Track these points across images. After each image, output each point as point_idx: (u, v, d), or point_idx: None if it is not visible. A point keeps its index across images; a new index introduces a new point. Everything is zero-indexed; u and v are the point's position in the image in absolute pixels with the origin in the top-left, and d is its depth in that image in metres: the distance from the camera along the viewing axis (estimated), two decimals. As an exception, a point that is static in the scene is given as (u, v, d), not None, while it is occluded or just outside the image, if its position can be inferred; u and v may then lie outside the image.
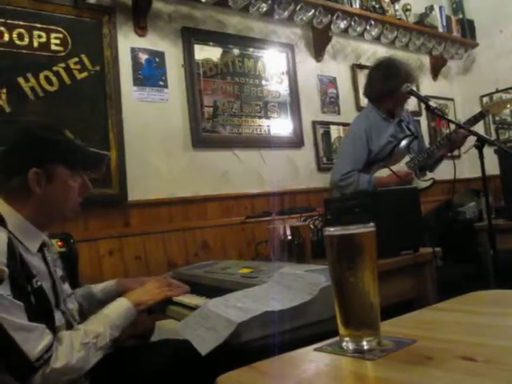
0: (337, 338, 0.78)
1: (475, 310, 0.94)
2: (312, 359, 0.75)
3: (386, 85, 2.66)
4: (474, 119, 2.66)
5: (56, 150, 1.27)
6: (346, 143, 2.90)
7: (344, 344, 0.75)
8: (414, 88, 2.51)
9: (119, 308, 1.33)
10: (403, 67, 2.69)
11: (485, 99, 4.39)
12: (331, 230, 0.77)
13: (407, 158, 2.63)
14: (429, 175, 2.70)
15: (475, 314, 0.92)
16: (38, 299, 1.12)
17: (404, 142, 2.66)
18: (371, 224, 0.77)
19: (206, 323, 1.15)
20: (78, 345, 1.14)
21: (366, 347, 0.73)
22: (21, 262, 1.11)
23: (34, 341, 1.04)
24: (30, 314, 1.06)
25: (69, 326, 1.25)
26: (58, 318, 1.20)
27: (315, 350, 0.77)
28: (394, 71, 2.66)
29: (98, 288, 1.65)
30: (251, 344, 1.13)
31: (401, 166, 2.60)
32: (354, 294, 0.75)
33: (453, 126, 2.71)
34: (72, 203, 1.32)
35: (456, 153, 4.23)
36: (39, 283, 1.15)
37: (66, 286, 1.37)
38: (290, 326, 1.19)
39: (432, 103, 2.29)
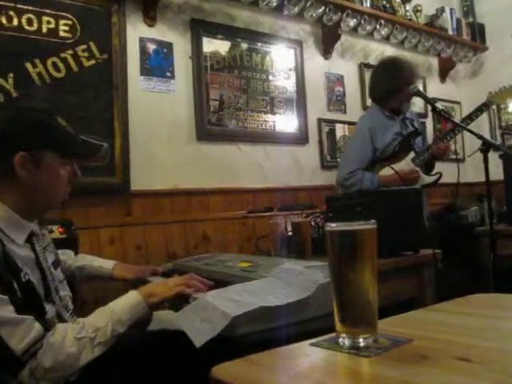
0: (333, 334, 0.78)
1: (473, 313, 0.94)
2: (308, 354, 0.75)
3: (390, 84, 2.66)
4: (479, 110, 2.66)
5: (46, 135, 1.22)
6: (351, 143, 2.92)
7: (340, 340, 0.75)
8: (420, 86, 2.51)
9: (127, 302, 1.24)
10: (406, 66, 2.69)
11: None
12: (332, 226, 0.77)
13: (413, 155, 2.63)
14: (434, 171, 2.69)
15: (472, 316, 0.92)
16: (25, 294, 1.08)
17: (409, 139, 2.66)
18: (372, 221, 0.77)
19: (203, 314, 1.15)
20: (71, 339, 1.08)
21: (362, 344, 0.73)
22: (5, 257, 1.07)
23: (19, 334, 1.01)
24: (17, 307, 1.02)
25: (59, 316, 1.23)
26: (49, 309, 1.17)
27: (311, 344, 0.78)
28: (397, 70, 2.66)
29: (93, 265, 1.69)
30: (247, 337, 1.13)
31: (407, 162, 2.59)
32: (353, 291, 0.76)
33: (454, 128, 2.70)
34: (59, 192, 1.28)
35: (460, 156, 4.23)
36: (27, 277, 1.12)
37: (58, 272, 1.34)
38: (287, 321, 1.19)
39: (439, 105, 2.28)
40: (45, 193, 1.24)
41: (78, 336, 1.09)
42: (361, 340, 0.74)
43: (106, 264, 1.73)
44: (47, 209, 1.33)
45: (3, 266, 1.06)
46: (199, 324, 1.13)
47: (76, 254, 1.78)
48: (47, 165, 1.22)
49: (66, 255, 1.68)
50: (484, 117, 3.19)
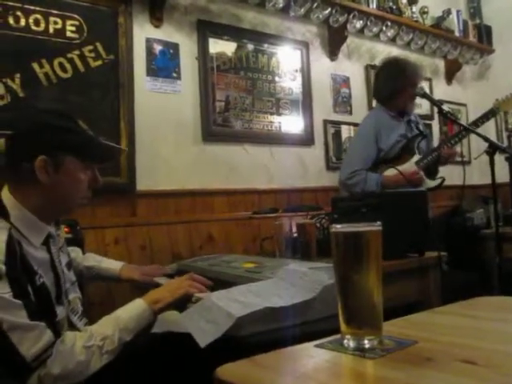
0: (338, 336, 0.78)
1: (478, 315, 0.94)
2: (312, 355, 0.75)
3: (393, 85, 2.67)
4: (485, 117, 2.65)
5: (67, 139, 1.22)
6: (355, 142, 2.92)
7: (345, 342, 0.75)
8: (426, 88, 2.51)
9: (133, 310, 1.25)
10: (409, 66, 2.70)
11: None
12: (337, 227, 0.77)
13: (416, 158, 2.62)
14: (438, 175, 2.69)
15: (478, 318, 0.92)
16: (39, 297, 1.09)
17: (414, 142, 2.66)
18: (378, 223, 0.77)
19: (208, 315, 1.15)
20: (79, 348, 1.09)
21: (366, 346, 0.73)
22: (21, 260, 1.07)
23: (31, 341, 1.01)
24: (30, 313, 1.03)
25: (68, 319, 1.24)
26: (59, 311, 1.18)
27: (316, 346, 0.78)
28: (400, 71, 2.66)
29: (101, 266, 1.71)
30: (251, 338, 1.13)
31: (411, 165, 2.59)
32: (358, 292, 0.75)
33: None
34: (79, 196, 1.28)
35: (466, 158, 4.21)
36: (42, 280, 1.12)
37: (71, 273, 1.35)
38: (292, 322, 1.19)
39: (445, 107, 2.28)
40: (64, 197, 1.24)
41: (86, 344, 1.10)
42: (366, 341, 0.74)
43: (113, 265, 1.75)
44: (66, 212, 1.33)
45: (20, 268, 1.06)
46: (204, 324, 1.13)
47: (82, 253, 1.79)
48: (68, 169, 1.22)
49: (75, 252, 1.70)
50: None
